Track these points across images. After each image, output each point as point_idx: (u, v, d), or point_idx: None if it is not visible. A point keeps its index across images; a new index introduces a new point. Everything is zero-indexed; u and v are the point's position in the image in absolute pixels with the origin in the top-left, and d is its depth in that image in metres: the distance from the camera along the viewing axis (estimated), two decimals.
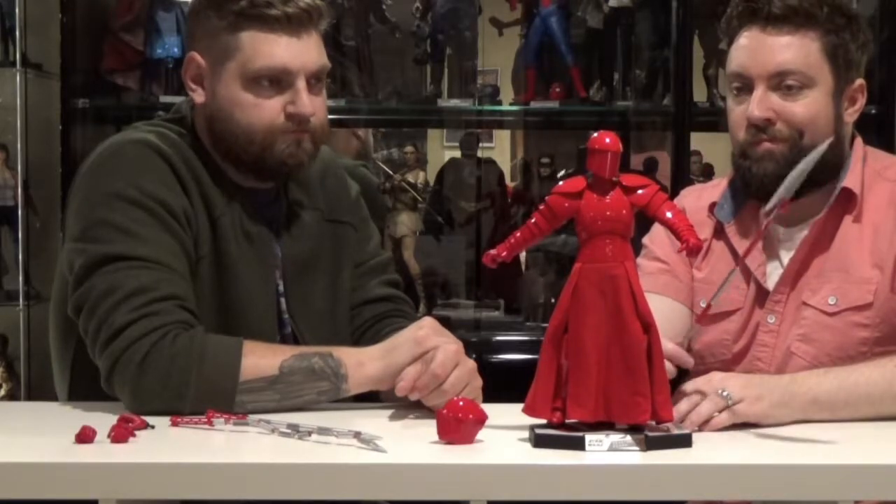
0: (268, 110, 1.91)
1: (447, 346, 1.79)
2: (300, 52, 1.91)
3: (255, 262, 1.96)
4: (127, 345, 1.77)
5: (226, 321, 1.89)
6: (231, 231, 1.94)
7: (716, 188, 2.18)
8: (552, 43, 3.79)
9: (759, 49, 2.02)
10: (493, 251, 1.61)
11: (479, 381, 1.83)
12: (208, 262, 1.91)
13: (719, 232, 2.13)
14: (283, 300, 2.01)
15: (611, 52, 3.83)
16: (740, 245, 2.08)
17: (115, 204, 1.86)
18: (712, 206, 2.14)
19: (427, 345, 1.80)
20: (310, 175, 2.08)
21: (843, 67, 2.04)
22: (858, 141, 2.11)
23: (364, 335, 2.09)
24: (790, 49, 2.01)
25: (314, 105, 1.94)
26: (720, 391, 1.70)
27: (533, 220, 1.59)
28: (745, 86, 2.04)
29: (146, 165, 1.89)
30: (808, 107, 2.01)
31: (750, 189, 2.06)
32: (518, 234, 1.60)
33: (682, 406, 1.69)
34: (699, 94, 3.77)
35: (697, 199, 2.19)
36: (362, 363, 1.82)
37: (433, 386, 1.76)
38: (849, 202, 2.04)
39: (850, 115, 2.08)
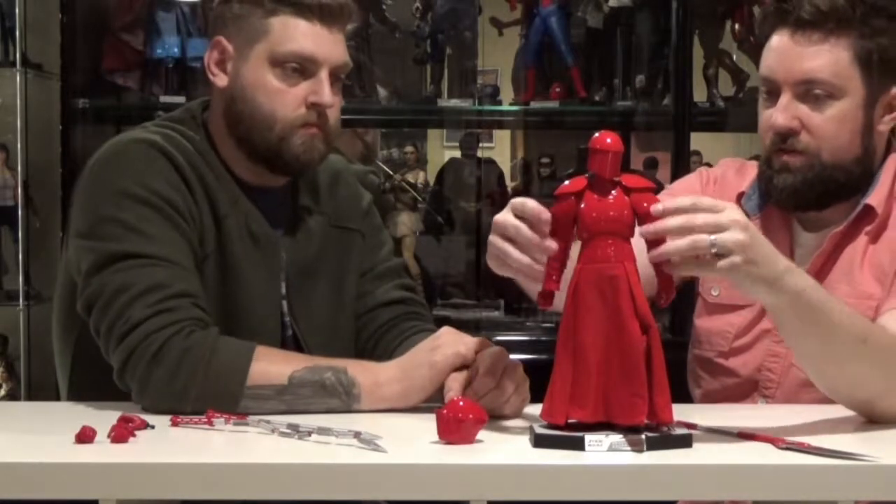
0: (290, 98, 1.93)
1: (493, 350, 1.77)
2: (328, 43, 1.94)
3: (260, 264, 1.96)
4: (142, 338, 1.78)
5: (228, 320, 1.89)
6: (236, 231, 1.94)
7: (750, 175, 2.10)
8: (552, 43, 3.79)
9: (786, 55, 1.95)
10: (541, 291, 1.58)
11: (526, 380, 1.80)
12: (213, 261, 1.92)
13: None
14: (284, 303, 2.00)
15: (611, 52, 3.84)
16: None
17: (122, 202, 1.86)
18: (740, 196, 2.07)
19: (445, 371, 1.78)
20: (319, 180, 2.08)
21: (878, 74, 1.95)
22: (893, 157, 2.03)
23: (381, 339, 2.07)
24: (818, 57, 1.93)
25: (333, 102, 1.95)
26: (712, 237, 1.54)
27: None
28: (773, 91, 1.98)
29: (151, 164, 1.90)
30: (834, 118, 1.94)
31: (771, 198, 2.01)
32: (550, 262, 1.57)
33: (672, 221, 1.54)
34: (699, 94, 3.78)
35: (734, 175, 2.12)
36: (379, 384, 1.80)
37: (484, 392, 1.73)
38: (870, 219, 1.99)
39: (886, 123, 1.99)
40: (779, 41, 1.97)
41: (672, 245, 1.54)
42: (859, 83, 1.95)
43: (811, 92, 1.94)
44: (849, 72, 1.94)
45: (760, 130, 2.02)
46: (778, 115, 1.96)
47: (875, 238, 1.99)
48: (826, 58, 1.94)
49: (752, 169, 2.12)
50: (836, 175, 1.97)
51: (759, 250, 1.59)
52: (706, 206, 1.57)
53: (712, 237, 1.54)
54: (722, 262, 1.55)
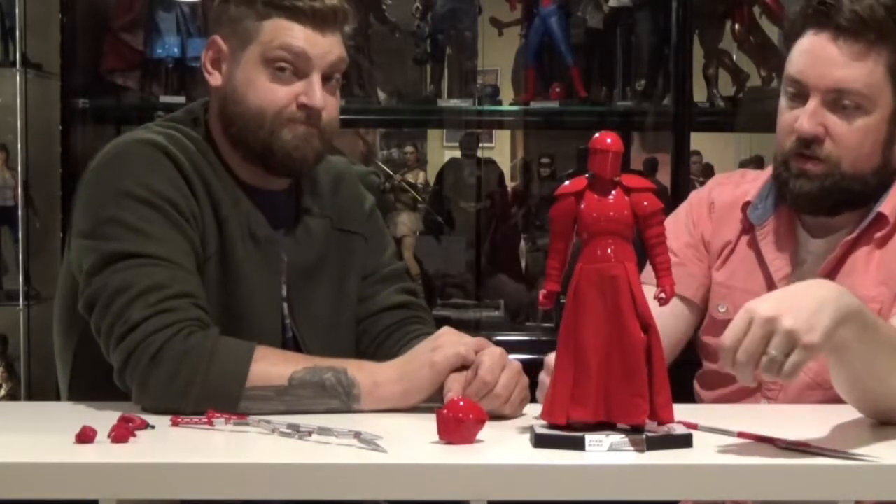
0: (280, 95, 1.93)
1: (492, 350, 1.78)
2: (320, 45, 1.94)
3: (261, 265, 1.97)
4: (141, 339, 1.78)
5: (228, 322, 1.89)
6: (238, 232, 1.94)
7: (754, 182, 2.09)
8: (552, 43, 3.79)
9: (820, 59, 1.93)
10: (543, 292, 1.57)
11: (526, 380, 1.81)
12: (214, 262, 1.92)
13: (748, 232, 2.06)
14: (285, 305, 2.01)
15: (611, 52, 3.83)
16: (769, 253, 2.02)
17: (124, 202, 1.87)
18: (745, 206, 2.07)
19: (445, 371, 1.78)
20: (321, 182, 2.09)
21: None
22: None
23: (383, 344, 2.07)
24: (853, 68, 1.91)
25: (327, 103, 1.95)
26: (772, 352, 1.53)
27: (552, 243, 1.57)
28: (800, 93, 1.95)
29: (154, 165, 1.91)
30: (860, 129, 1.93)
31: (786, 201, 2.00)
32: (552, 262, 1.58)
33: (733, 364, 1.55)
34: (699, 94, 3.78)
35: (733, 192, 2.10)
36: (378, 384, 1.80)
37: (483, 393, 1.74)
38: (881, 226, 1.98)
39: None
40: (814, 44, 1.94)
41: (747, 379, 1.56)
42: (889, 96, 1.95)
43: (840, 101, 1.93)
44: (881, 85, 1.93)
45: (780, 131, 1.99)
46: (804, 120, 1.94)
47: (882, 243, 1.99)
48: (862, 69, 1.92)
49: (755, 176, 2.11)
50: (853, 185, 1.96)
51: (816, 336, 1.55)
52: (749, 327, 1.54)
53: (772, 352, 1.53)
54: (789, 371, 1.54)
